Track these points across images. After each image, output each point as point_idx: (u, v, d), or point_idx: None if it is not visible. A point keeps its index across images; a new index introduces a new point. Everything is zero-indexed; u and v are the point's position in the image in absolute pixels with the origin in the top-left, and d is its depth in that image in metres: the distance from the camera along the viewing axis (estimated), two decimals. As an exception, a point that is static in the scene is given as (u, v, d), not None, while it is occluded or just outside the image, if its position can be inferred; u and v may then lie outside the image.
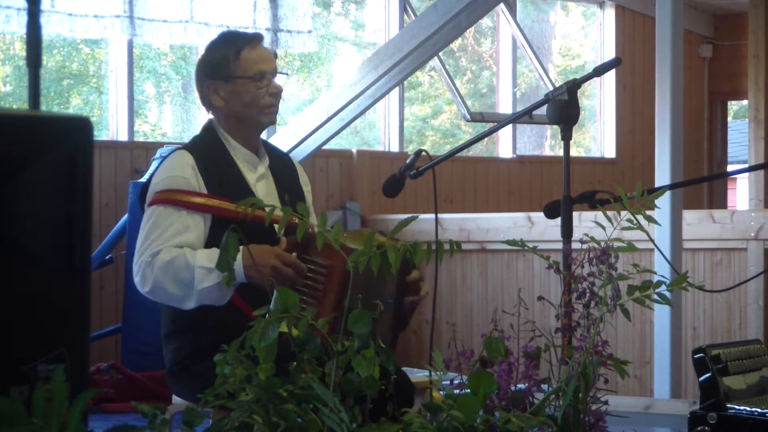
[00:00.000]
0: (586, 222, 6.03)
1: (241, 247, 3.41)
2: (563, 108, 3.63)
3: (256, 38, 3.83)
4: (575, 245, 2.93)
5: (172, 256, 3.55)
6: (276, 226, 3.24)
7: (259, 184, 3.79)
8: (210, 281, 3.51)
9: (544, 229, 7.33)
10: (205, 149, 3.77)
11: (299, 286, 3.47)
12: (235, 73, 3.75)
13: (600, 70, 3.85)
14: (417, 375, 4.20)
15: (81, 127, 2.02)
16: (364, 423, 2.33)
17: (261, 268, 3.47)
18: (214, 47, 3.83)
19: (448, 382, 2.56)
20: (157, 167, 3.79)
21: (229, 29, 4.12)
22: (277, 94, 3.80)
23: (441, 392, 2.48)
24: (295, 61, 9.91)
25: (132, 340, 7.16)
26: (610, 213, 2.85)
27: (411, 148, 10.13)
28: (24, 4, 2.73)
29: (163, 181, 3.69)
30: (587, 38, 11.74)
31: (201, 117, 9.44)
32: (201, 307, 3.59)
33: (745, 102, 12.27)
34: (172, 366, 3.73)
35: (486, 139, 9.99)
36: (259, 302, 2.54)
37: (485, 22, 10.69)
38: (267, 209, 2.58)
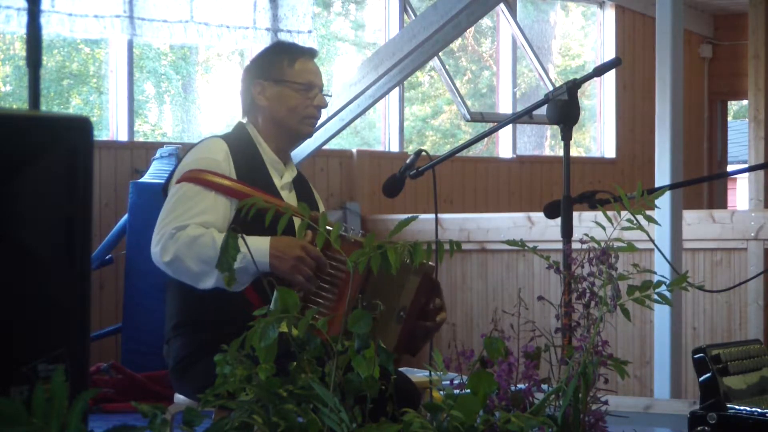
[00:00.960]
0: (586, 222, 6.04)
1: (267, 237, 3.46)
2: (563, 108, 3.63)
3: (312, 53, 3.93)
4: (575, 245, 2.93)
5: (199, 233, 3.55)
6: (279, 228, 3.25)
7: (283, 191, 3.82)
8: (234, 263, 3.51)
9: (544, 229, 7.33)
10: (238, 143, 3.80)
11: (321, 282, 3.49)
12: (286, 78, 3.80)
13: (600, 70, 3.86)
14: (417, 375, 4.20)
15: (81, 127, 2.02)
16: (364, 423, 2.33)
17: (286, 258, 3.49)
18: (269, 51, 3.91)
19: (448, 382, 2.56)
20: (188, 152, 3.82)
21: (286, 41, 4.22)
22: (321, 107, 3.85)
23: (441, 392, 2.48)
24: (295, 61, 9.90)
25: (132, 340, 7.16)
26: (610, 213, 2.85)
27: (411, 148, 10.13)
28: (24, 4, 2.73)
29: (195, 161, 3.71)
30: (587, 38, 11.74)
31: (201, 117, 9.44)
32: (209, 301, 3.59)
33: (745, 102, 12.27)
34: (176, 364, 3.72)
35: (486, 139, 9.99)
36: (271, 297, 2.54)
37: (485, 22, 10.69)
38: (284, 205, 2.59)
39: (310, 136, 3.93)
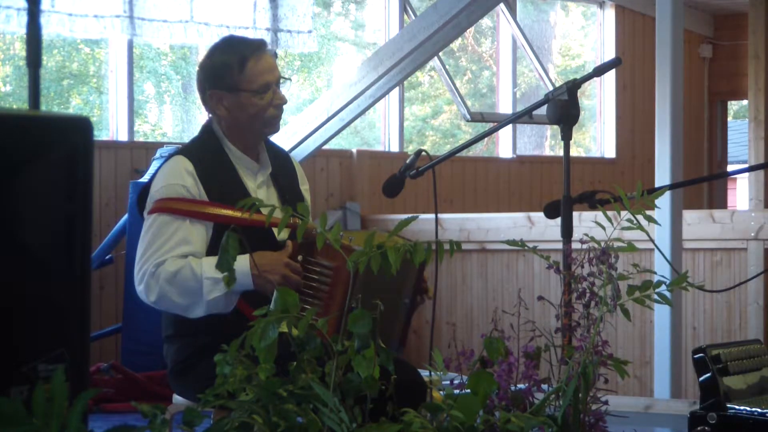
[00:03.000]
0: (586, 222, 6.03)
1: (248, 255, 3.43)
2: (563, 108, 3.63)
3: (261, 46, 3.74)
4: (575, 245, 2.93)
5: (178, 267, 3.53)
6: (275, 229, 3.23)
7: (260, 191, 3.75)
8: (218, 291, 3.50)
9: (544, 229, 7.33)
10: (204, 154, 3.71)
11: (306, 288, 3.48)
12: (239, 86, 3.68)
13: (600, 70, 3.85)
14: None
15: (81, 127, 2.02)
16: (364, 423, 2.33)
17: (270, 277, 3.47)
18: (216, 54, 3.74)
19: (448, 382, 2.56)
20: (156, 171, 3.76)
21: (232, 35, 4.04)
22: (282, 104, 3.75)
23: (441, 392, 2.48)
24: (295, 61, 9.91)
25: (132, 340, 7.16)
26: (610, 213, 2.85)
27: (411, 148, 10.13)
28: (24, 4, 2.73)
29: (163, 188, 3.64)
30: (587, 38, 11.74)
31: (201, 117, 9.44)
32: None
33: (745, 102, 12.27)
34: (174, 366, 3.72)
35: (486, 139, 9.99)
36: (262, 306, 2.53)
37: (485, 22, 10.69)
38: (266, 210, 2.58)
39: (276, 132, 3.86)
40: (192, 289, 3.52)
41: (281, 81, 3.76)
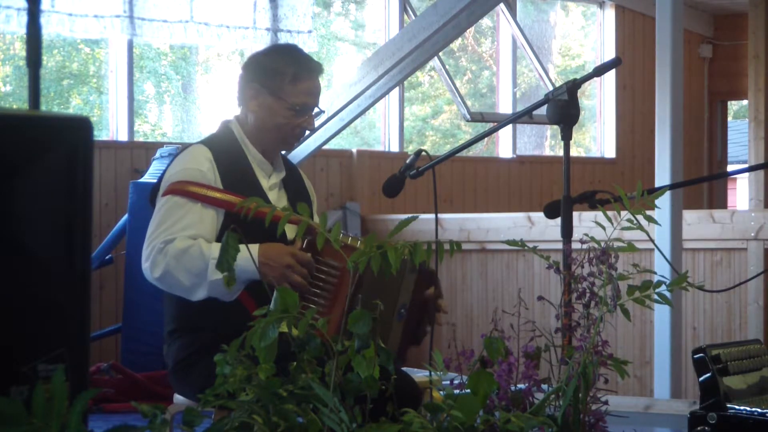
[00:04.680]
0: (586, 222, 6.03)
1: (257, 245, 3.45)
2: (563, 108, 3.63)
3: (318, 70, 3.82)
4: (575, 245, 2.93)
5: (187, 245, 3.55)
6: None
7: (271, 192, 3.80)
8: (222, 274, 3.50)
9: (544, 229, 7.33)
10: (223, 146, 3.77)
11: (312, 287, 3.48)
12: (283, 95, 3.74)
13: (600, 70, 3.85)
14: (417, 375, 4.20)
15: (81, 127, 2.02)
16: (364, 423, 2.33)
17: (275, 265, 3.48)
18: (276, 55, 3.83)
19: (448, 382, 2.56)
20: (171, 161, 3.79)
21: (297, 46, 4.07)
22: (308, 128, 3.82)
23: (441, 392, 2.48)
24: (295, 61, 9.89)
25: (132, 340, 7.16)
26: (610, 213, 2.85)
27: (411, 148, 10.13)
28: (24, 4, 2.73)
29: (179, 172, 3.68)
30: (587, 38, 11.74)
31: (201, 117, 9.44)
32: (205, 306, 3.59)
33: (745, 102, 12.27)
34: (175, 364, 3.72)
35: (486, 139, 9.99)
36: (267, 302, 2.54)
37: (485, 22, 10.69)
38: (270, 209, 2.58)
39: (291, 150, 3.93)
40: (198, 268, 3.53)
41: (316, 109, 3.82)
